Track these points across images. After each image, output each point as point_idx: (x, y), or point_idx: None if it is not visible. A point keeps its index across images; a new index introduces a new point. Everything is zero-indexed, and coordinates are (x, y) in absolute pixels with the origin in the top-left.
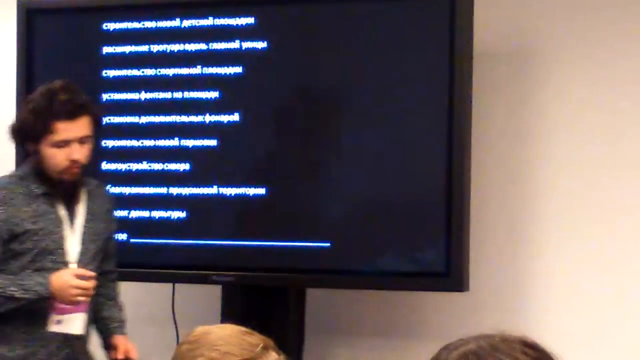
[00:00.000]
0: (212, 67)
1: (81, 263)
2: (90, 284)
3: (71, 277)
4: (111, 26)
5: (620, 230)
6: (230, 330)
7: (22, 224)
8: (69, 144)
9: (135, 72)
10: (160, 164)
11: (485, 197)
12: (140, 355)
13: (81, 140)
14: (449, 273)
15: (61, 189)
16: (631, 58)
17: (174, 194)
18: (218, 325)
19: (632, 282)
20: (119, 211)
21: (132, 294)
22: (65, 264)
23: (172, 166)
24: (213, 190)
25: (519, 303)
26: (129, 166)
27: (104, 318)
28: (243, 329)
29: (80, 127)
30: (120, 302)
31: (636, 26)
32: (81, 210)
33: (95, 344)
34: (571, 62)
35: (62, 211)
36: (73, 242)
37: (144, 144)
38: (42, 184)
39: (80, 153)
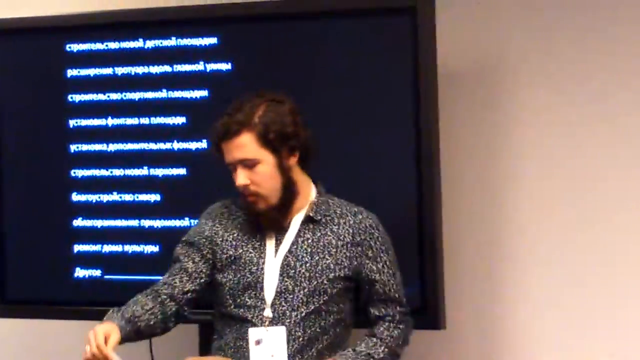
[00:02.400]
0: (178, 90)
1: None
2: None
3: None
4: (75, 47)
5: (602, 252)
6: None
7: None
8: (234, 167)
9: (100, 97)
10: (131, 195)
11: (458, 226)
12: None
13: (244, 163)
14: (424, 310)
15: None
16: (596, 74)
17: (146, 226)
18: (209, 357)
19: (617, 303)
20: (91, 245)
21: None
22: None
23: (143, 197)
24: (185, 222)
25: (498, 339)
26: (99, 197)
27: None
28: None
29: (236, 147)
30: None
31: (600, 43)
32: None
33: None
34: (536, 79)
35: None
36: (271, 276)
37: (114, 174)
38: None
39: (243, 178)
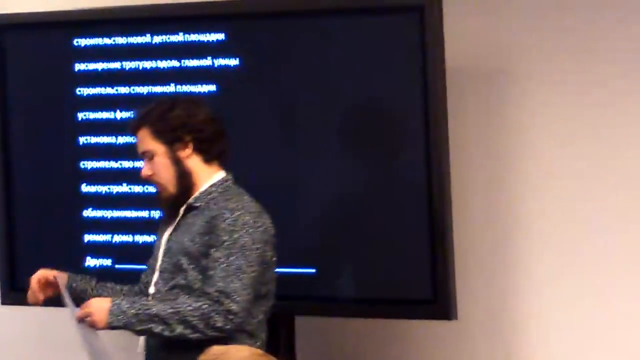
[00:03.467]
0: (186, 84)
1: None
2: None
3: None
4: (82, 42)
5: (609, 246)
6: (248, 352)
7: None
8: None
9: (109, 90)
10: (140, 187)
11: (468, 219)
12: None
13: (144, 155)
14: (435, 300)
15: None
16: (603, 76)
17: (156, 217)
18: (234, 346)
19: (624, 300)
20: (102, 235)
21: None
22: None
23: (152, 189)
24: None
25: (508, 330)
26: (109, 188)
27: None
28: (259, 351)
29: (138, 141)
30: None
31: (609, 45)
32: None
33: None
34: (545, 79)
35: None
36: (159, 258)
37: (123, 165)
38: None
39: (145, 169)
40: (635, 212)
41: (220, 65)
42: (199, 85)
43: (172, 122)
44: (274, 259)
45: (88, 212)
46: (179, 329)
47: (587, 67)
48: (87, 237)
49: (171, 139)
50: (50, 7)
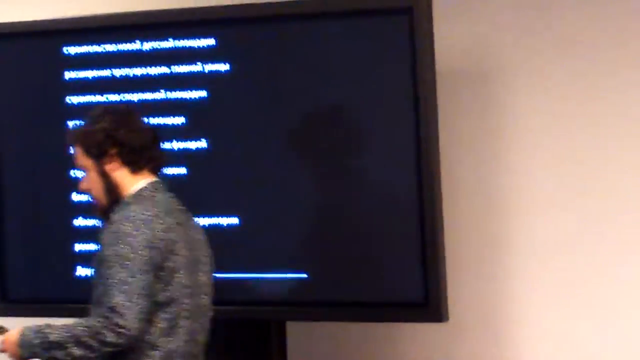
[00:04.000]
0: (176, 91)
1: None
2: None
3: None
4: (72, 50)
5: (601, 247)
6: None
7: None
8: None
9: (99, 98)
10: None
11: (459, 222)
12: None
13: (81, 170)
14: (427, 303)
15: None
16: (593, 77)
17: None
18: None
19: (617, 301)
20: (92, 244)
21: None
22: None
23: None
24: None
25: (500, 331)
26: None
27: None
28: None
29: (75, 155)
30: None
31: (598, 46)
32: None
33: None
34: (534, 78)
35: None
36: None
37: None
38: None
39: (82, 182)
40: (627, 212)
41: (211, 70)
42: (190, 91)
43: (96, 136)
44: (174, 264)
45: (78, 221)
46: (78, 352)
47: (577, 67)
48: (78, 247)
49: (97, 153)
50: (40, 15)
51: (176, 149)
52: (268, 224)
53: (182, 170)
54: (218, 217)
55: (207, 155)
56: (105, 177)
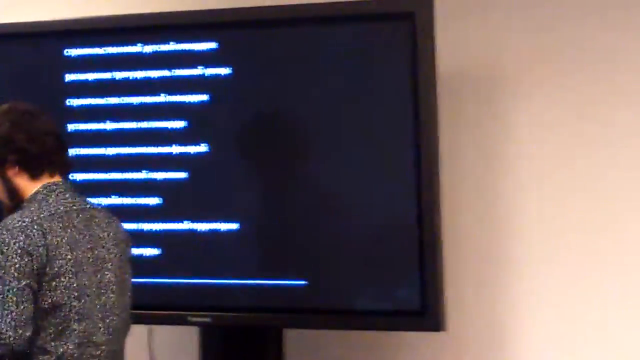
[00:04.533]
0: (177, 94)
1: None
2: None
3: None
4: (73, 52)
5: (603, 254)
6: None
7: None
8: None
9: (99, 101)
10: (131, 199)
11: (458, 230)
12: None
13: None
14: (424, 312)
15: None
16: (597, 81)
17: (145, 229)
18: None
19: (619, 308)
20: None
21: None
22: None
23: (143, 200)
24: (185, 225)
25: (500, 342)
26: (98, 201)
27: None
28: None
29: None
30: None
31: (603, 49)
32: None
33: None
34: (537, 83)
35: None
36: None
37: (113, 177)
38: None
39: None
40: (630, 217)
41: (212, 74)
42: (191, 95)
43: None
44: (57, 268)
45: None
46: None
47: (580, 70)
48: None
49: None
50: (41, 16)
51: (176, 153)
52: (267, 230)
53: (183, 175)
54: (217, 222)
55: (208, 159)
56: (6, 182)
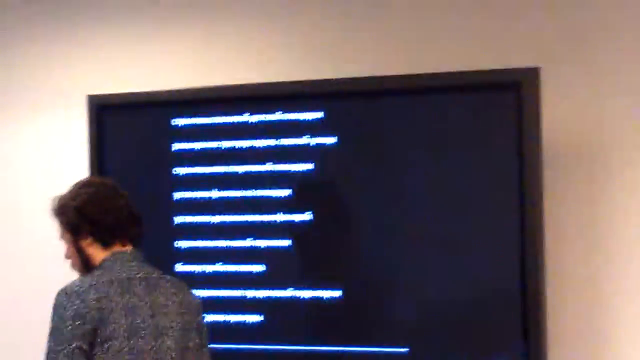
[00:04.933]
0: (283, 163)
1: None
2: None
3: None
4: (180, 122)
5: None
6: None
7: None
8: None
9: (205, 170)
10: (235, 266)
11: (563, 300)
12: None
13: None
14: None
15: None
16: None
17: (249, 297)
18: None
19: None
20: None
21: None
22: None
23: (247, 268)
24: (288, 293)
25: None
26: (203, 268)
27: None
28: None
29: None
30: None
31: None
32: None
33: None
34: None
35: None
36: None
37: (217, 245)
38: None
39: (65, 252)
40: None
41: (318, 143)
42: (296, 164)
43: (70, 215)
44: (109, 332)
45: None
46: None
47: None
48: None
49: (73, 229)
50: (149, 87)
51: (280, 220)
52: (371, 297)
53: (286, 242)
54: (320, 289)
55: (311, 227)
56: (80, 251)
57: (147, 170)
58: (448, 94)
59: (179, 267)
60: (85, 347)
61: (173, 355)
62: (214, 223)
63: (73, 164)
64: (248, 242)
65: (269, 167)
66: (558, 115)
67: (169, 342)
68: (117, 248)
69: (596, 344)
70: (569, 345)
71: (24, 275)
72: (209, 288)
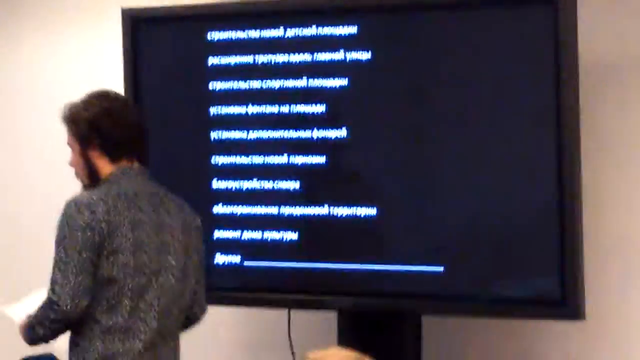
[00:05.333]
0: (318, 78)
1: None
2: None
3: None
4: (216, 36)
5: None
6: (343, 355)
7: None
8: None
9: (241, 85)
10: (271, 182)
11: (600, 218)
12: None
13: (69, 146)
14: (564, 301)
15: None
16: None
17: (286, 214)
18: (332, 351)
19: None
20: (231, 232)
21: (246, 318)
22: None
23: (283, 184)
24: (324, 210)
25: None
26: (239, 184)
27: None
28: (356, 356)
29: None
30: None
31: None
32: None
33: None
34: None
35: None
36: None
37: (254, 161)
38: None
39: (70, 159)
40: None
41: (352, 59)
42: (331, 79)
43: (82, 126)
44: (116, 245)
45: (218, 208)
46: (42, 331)
47: None
48: (217, 234)
49: (82, 139)
50: (185, 0)
51: (316, 137)
52: (405, 216)
53: (322, 160)
54: (356, 206)
55: (347, 144)
56: (87, 161)
57: (182, 85)
58: (483, 8)
59: (215, 183)
60: (94, 258)
61: (174, 273)
62: (250, 139)
63: (108, 79)
64: (283, 159)
65: (304, 82)
66: (594, 28)
67: (171, 259)
68: (124, 163)
69: (633, 261)
70: (605, 264)
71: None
72: (244, 204)
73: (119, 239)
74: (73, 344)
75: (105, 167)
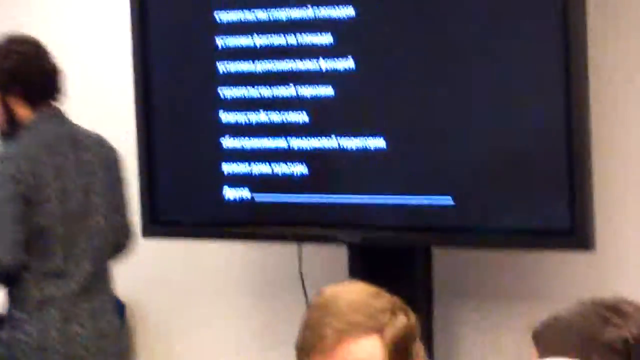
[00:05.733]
0: (324, 7)
1: None
2: None
3: None
4: None
5: None
6: (358, 295)
7: None
8: None
9: (247, 16)
10: (279, 115)
11: (609, 144)
12: (269, 317)
13: None
14: (573, 230)
15: None
16: None
17: (295, 147)
18: (347, 286)
19: None
20: (239, 165)
21: (257, 254)
22: None
23: (291, 117)
24: (332, 142)
25: None
26: (247, 117)
27: None
28: (371, 290)
29: None
30: None
31: None
32: None
33: None
34: None
35: None
36: None
37: (262, 94)
38: None
39: None
40: None
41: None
42: (337, 8)
43: (1, 75)
44: (42, 195)
45: (226, 141)
46: None
47: None
48: (226, 167)
49: (1, 88)
50: None
51: (323, 69)
52: (414, 146)
53: (329, 91)
54: (364, 137)
55: (354, 74)
56: (7, 109)
57: (187, 15)
58: None
59: (223, 116)
60: (25, 209)
61: (102, 211)
62: (258, 71)
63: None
64: (292, 90)
65: (310, 12)
66: None
67: (97, 199)
68: (42, 107)
69: None
70: (615, 192)
71: None
72: (252, 137)
73: (44, 189)
74: (9, 294)
75: (25, 113)
